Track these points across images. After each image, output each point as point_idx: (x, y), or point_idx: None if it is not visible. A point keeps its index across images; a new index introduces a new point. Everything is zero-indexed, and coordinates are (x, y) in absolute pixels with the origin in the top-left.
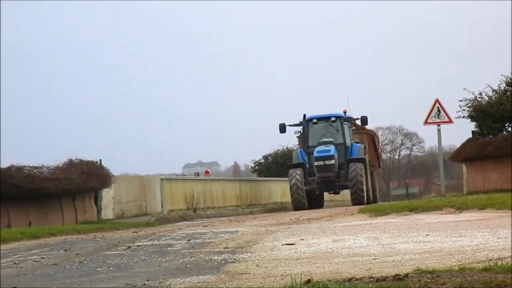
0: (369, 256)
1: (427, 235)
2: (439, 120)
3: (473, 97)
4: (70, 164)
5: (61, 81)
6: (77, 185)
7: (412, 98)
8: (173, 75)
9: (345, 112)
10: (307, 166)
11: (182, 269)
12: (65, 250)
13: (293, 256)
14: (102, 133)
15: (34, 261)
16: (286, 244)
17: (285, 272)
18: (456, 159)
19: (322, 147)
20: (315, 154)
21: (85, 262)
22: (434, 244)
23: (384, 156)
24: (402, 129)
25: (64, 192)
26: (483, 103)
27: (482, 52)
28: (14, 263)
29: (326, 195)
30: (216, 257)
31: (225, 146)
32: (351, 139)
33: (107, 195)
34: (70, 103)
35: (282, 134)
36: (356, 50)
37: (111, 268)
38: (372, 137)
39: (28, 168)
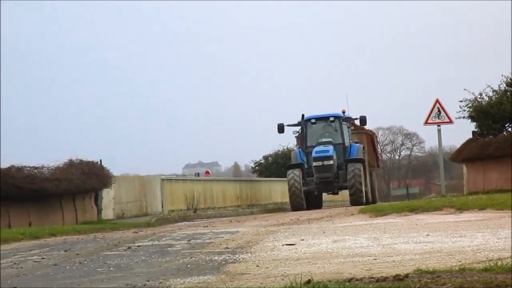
0: (370, 256)
1: (427, 235)
2: (440, 121)
3: (473, 98)
4: (71, 164)
5: (61, 81)
6: (77, 186)
7: (412, 98)
8: (173, 75)
9: (343, 112)
10: (306, 166)
11: (182, 270)
12: (65, 251)
13: (294, 257)
14: (102, 133)
15: (34, 262)
16: (287, 245)
17: (285, 272)
18: (457, 160)
19: (321, 147)
20: (313, 154)
21: (85, 262)
22: (434, 244)
23: (384, 156)
24: (402, 129)
25: (64, 192)
26: (483, 103)
27: (482, 52)
28: (15, 264)
29: (326, 195)
30: (216, 258)
31: (225, 146)
32: (350, 139)
33: (107, 195)
34: (70, 103)
35: (280, 134)
36: (356, 50)
37: (111, 269)
38: (371, 137)
39: (28, 168)
